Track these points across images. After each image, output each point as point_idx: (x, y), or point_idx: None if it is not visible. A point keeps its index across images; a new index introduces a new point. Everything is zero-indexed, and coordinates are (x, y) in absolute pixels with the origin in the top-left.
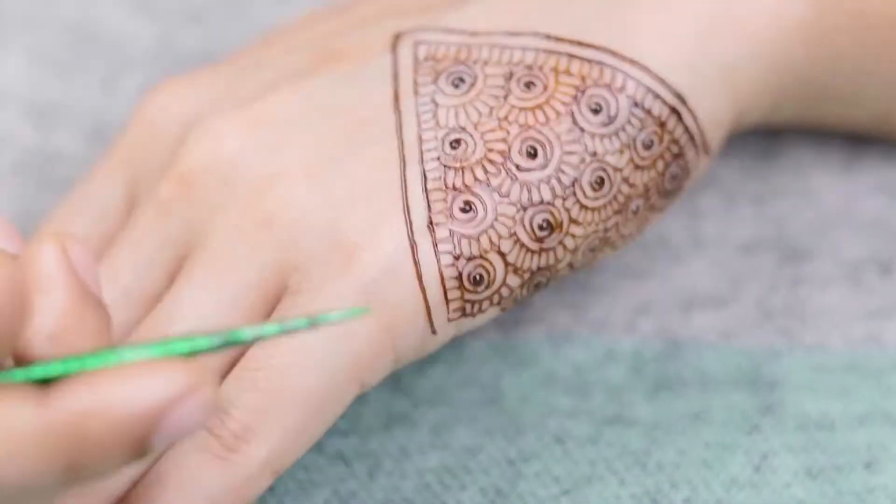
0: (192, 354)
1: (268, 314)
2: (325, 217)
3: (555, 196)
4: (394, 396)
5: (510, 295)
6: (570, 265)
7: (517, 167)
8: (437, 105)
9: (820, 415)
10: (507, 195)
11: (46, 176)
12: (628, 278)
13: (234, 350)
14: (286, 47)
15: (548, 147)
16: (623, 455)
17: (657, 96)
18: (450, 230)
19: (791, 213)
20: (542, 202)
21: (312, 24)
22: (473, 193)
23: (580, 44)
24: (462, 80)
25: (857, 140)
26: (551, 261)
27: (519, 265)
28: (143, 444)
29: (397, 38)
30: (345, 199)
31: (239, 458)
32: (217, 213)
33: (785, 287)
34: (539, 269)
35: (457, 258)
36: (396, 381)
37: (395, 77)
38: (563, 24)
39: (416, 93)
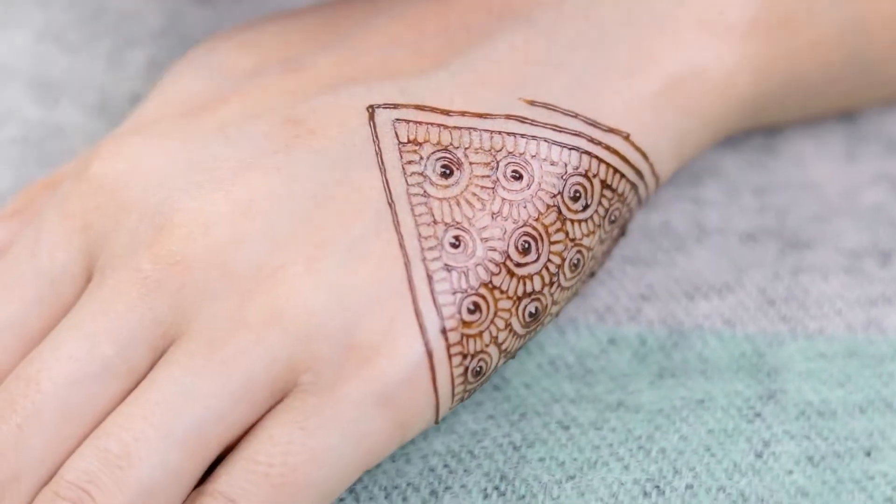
0: None
1: (270, 407)
2: (336, 317)
3: (543, 285)
4: None
5: (494, 373)
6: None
7: (516, 265)
8: (429, 197)
9: (821, 402)
10: (506, 291)
11: (48, 150)
12: (632, 266)
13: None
14: (244, 110)
15: (539, 241)
16: (627, 441)
17: (623, 176)
18: (461, 333)
19: (792, 203)
20: (533, 292)
21: (256, 77)
22: (479, 295)
23: (556, 128)
24: (449, 169)
25: (857, 132)
26: (530, 338)
27: (508, 349)
28: None
29: (372, 114)
30: (353, 299)
31: None
32: (213, 301)
33: (787, 275)
34: (520, 346)
35: (464, 357)
36: None
37: (381, 162)
38: (537, 95)
39: (406, 182)
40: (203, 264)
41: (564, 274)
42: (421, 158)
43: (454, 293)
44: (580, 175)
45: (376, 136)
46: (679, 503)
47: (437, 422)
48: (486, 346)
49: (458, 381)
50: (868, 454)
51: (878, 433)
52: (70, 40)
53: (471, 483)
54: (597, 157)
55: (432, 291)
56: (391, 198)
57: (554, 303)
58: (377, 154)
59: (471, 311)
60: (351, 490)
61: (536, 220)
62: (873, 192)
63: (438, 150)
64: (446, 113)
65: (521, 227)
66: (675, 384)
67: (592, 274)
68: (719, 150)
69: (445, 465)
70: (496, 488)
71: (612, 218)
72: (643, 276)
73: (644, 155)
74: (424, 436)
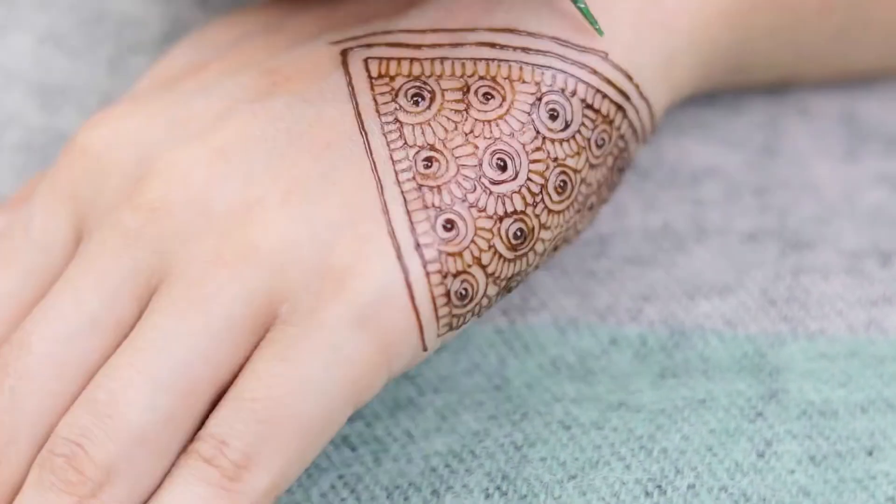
0: None
1: (255, 344)
2: (310, 245)
3: (526, 205)
4: (399, 383)
5: (488, 304)
6: (537, 266)
7: (491, 181)
8: (401, 123)
9: (823, 402)
10: (484, 209)
11: (50, 156)
12: (634, 266)
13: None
14: (224, 69)
15: (516, 158)
16: (628, 441)
17: (605, 96)
18: (437, 250)
19: (793, 204)
20: (515, 212)
21: (239, 42)
22: (453, 211)
23: (527, 49)
24: (421, 96)
25: (857, 133)
26: (524, 266)
27: (497, 274)
28: None
29: (345, 55)
30: (328, 225)
31: (242, 487)
32: (192, 242)
33: (788, 276)
34: (513, 275)
35: (444, 276)
36: None
37: (353, 96)
38: (506, 22)
39: (378, 112)
40: (181, 207)
41: (549, 195)
42: (392, 90)
43: (427, 209)
44: (555, 93)
45: (349, 74)
46: (681, 503)
47: (424, 349)
48: (469, 266)
49: (440, 301)
50: (870, 454)
51: (880, 433)
52: (72, 45)
53: (472, 483)
54: (573, 76)
55: (406, 211)
56: (363, 127)
57: (543, 226)
58: (349, 89)
59: (447, 229)
60: (352, 490)
61: (511, 136)
62: (874, 193)
63: (410, 81)
64: (417, 47)
65: (495, 144)
66: (676, 384)
67: (591, 207)
68: (719, 151)
69: (447, 465)
70: (498, 488)
71: (600, 142)
72: (644, 276)
73: (627, 75)
74: (426, 435)
